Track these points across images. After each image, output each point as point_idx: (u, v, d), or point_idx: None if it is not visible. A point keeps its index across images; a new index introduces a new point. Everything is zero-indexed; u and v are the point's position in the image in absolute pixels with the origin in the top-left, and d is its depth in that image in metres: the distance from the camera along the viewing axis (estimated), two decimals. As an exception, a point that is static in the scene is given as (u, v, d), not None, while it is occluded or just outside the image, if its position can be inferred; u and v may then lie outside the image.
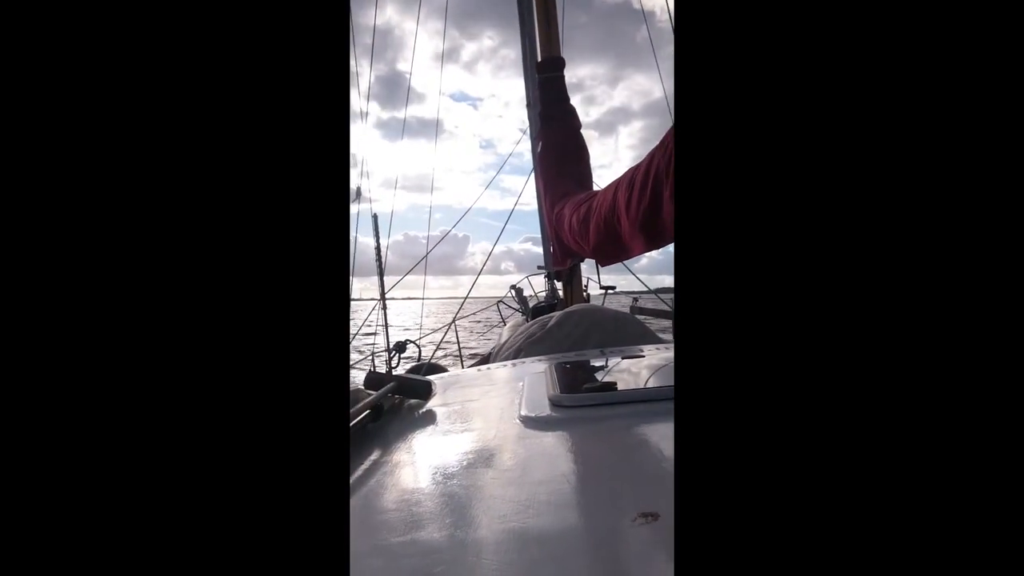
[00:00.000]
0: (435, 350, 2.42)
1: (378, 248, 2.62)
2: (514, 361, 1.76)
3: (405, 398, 1.30)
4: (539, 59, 2.81)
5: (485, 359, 3.17)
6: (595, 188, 2.11)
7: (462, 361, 3.24)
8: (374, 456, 0.92)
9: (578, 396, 0.86)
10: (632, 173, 1.33)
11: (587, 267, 3.10)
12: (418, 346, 2.54)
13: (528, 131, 3.25)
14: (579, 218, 1.73)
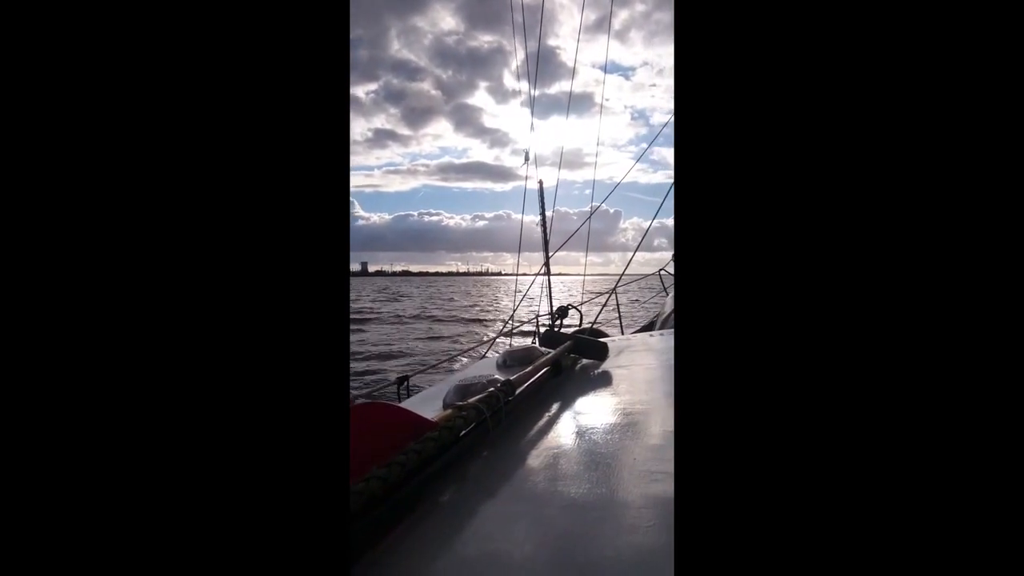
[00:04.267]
0: (598, 315, 2.44)
1: (543, 216, 2.70)
2: None
3: (580, 357, 1.34)
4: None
5: (649, 326, 3.11)
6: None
7: (622, 327, 3.23)
8: (553, 411, 0.97)
9: None
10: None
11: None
12: (580, 311, 2.58)
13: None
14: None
